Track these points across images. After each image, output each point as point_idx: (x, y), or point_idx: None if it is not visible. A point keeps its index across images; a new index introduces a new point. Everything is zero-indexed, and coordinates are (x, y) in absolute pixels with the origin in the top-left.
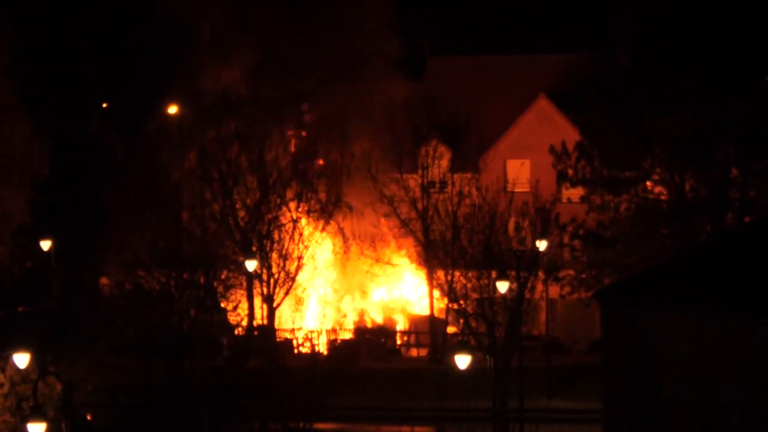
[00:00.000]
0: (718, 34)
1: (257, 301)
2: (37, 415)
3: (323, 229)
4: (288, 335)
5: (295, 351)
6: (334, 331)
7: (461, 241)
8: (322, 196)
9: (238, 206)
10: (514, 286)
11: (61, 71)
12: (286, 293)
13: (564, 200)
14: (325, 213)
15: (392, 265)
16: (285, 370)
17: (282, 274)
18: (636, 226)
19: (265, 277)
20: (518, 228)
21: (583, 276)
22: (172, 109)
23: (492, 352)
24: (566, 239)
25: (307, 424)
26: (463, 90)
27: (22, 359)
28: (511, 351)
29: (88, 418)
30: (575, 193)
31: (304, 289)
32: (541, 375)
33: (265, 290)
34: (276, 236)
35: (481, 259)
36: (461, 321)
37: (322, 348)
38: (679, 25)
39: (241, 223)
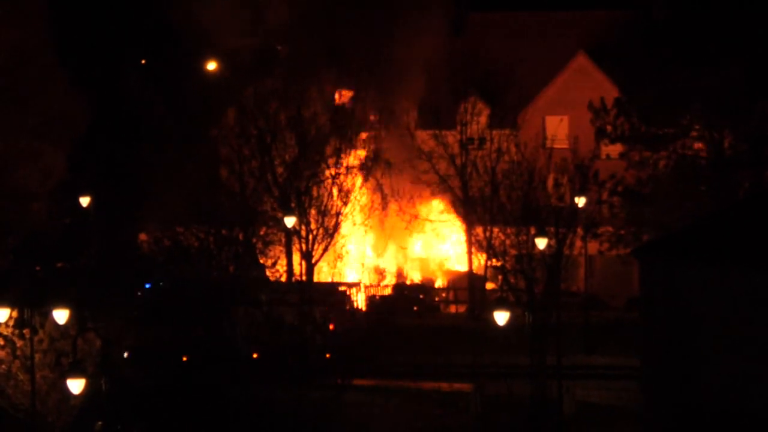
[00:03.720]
0: None
1: (296, 258)
2: (76, 370)
3: (362, 185)
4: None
5: None
6: (372, 287)
7: (500, 198)
8: (361, 152)
9: (276, 162)
10: (553, 242)
11: (99, 27)
12: (325, 249)
13: (603, 156)
14: (363, 169)
15: (431, 221)
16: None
17: (321, 231)
18: (674, 183)
19: (303, 233)
20: (557, 184)
21: (622, 232)
22: (211, 65)
23: (530, 309)
24: (605, 196)
25: (346, 381)
26: (502, 46)
27: (61, 315)
28: (550, 307)
29: (127, 374)
30: (614, 149)
31: (343, 246)
32: (579, 331)
33: (303, 246)
34: (314, 192)
35: (519, 216)
36: (500, 277)
37: (361, 304)
38: None
39: (280, 180)
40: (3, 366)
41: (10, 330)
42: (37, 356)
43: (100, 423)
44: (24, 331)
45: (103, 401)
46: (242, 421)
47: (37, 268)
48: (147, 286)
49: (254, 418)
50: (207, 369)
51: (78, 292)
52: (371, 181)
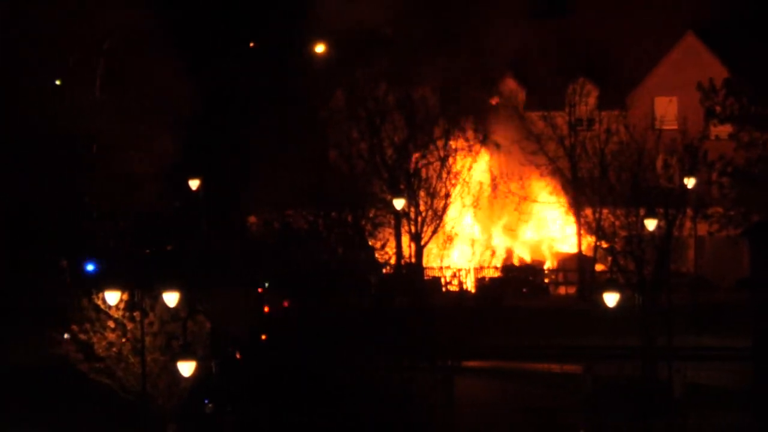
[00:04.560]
0: None
1: (405, 240)
2: (186, 353)
3: (470, 167)
4: (436, 273)
5: (443, 289)
6: (481, 269)
7: (609, 179)
8: (470, 134)
9: (385, 144)
10: (662, 223)
11: (208, 10)
12: (434, 231)
13: (712, 137)
14: (472, 151)
15: (540, 203)
16: (433, 309)
17: (430, 213)
18: None
19: (412, 215)
20: (666, 165)
21: (731, 213)
22: (319, 48)
23: (640, 290)
24: (714, 176)
25: (455, 362)
26: (611, 26)
27: (171, 298)
28: (659, 289)
29: (237, 356)
30: (723, 130)
31: (452, 227)
32: (688, 313)
33: (412, 228)
34: (423, 174)
35: (629, 197)
36: (609, 259)
37: (470, 286)
38: None
39: (389, 161)
40: (114, 349)
41: (120, 313)
42: (147, 339)
43: (210, 405)
44: (134, 314)
45: (213, 384)
46: (352, 402)
47: (147, 251)
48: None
49: (364, 399)
50: (317, 350)
51: (188, 275)
52: (480, 163)
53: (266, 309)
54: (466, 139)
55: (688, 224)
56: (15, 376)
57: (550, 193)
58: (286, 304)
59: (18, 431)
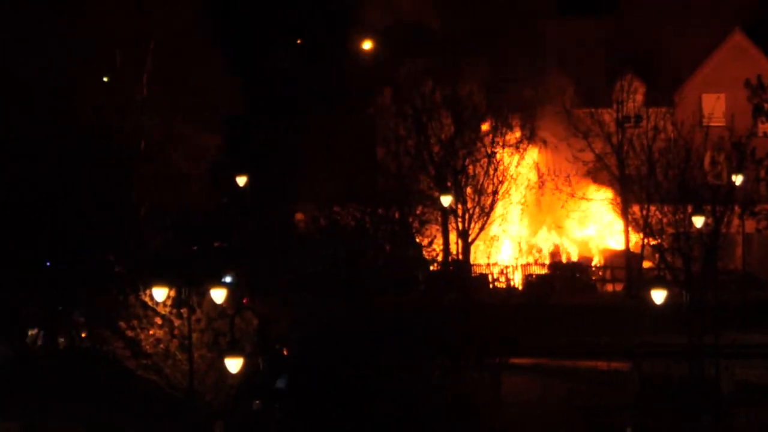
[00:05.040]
0: None
1: (452, 237)
2: (234, 349)
3: (518, 164)
4: (483, 270)
5: (490, 286)
6: (528, 266)
7: (656, 176)
8: (517, 131)
9: (432, 141)
10: (710, 220)
11: (253, 7)
12: (481, 228)
13: (760, 134)
14: (519, 148)
15: (587, 200)
16: (480, 306)
17: (477, 209)
18: None
19: (460, 212)
20: (714, 162)
21: None
22: (366, 45)
23: (688, 287)
24: (762, 173)
25: (503, 360)
26: (658, 23)
27: (218, 294)
28: (707, 286)
29: (284, 352)
30: None
31: (499, 224)
32: (736, 310)
33: (459, 225)
34: (470, 171)
35: (676, 194)
36: (657, 256)
37: (517, 283)
38: None
39: (436, 158)
40: (161, 345)
41: (168, 309)
42: (194, 335)
43: (257, 402)
44: (182, 311)
45: (260, 381)
46: (399, 399)
47: (194, 247)
48: None
49: (411, 397)
50: (365, 347)
51: (235, 272)
52: (527, 160)
53: (311, 307)
54: (513, 136)
55: (735, 221)
56: (61, 371)
57: (598, 190)
58: (330, 302)
59: (64, 426)
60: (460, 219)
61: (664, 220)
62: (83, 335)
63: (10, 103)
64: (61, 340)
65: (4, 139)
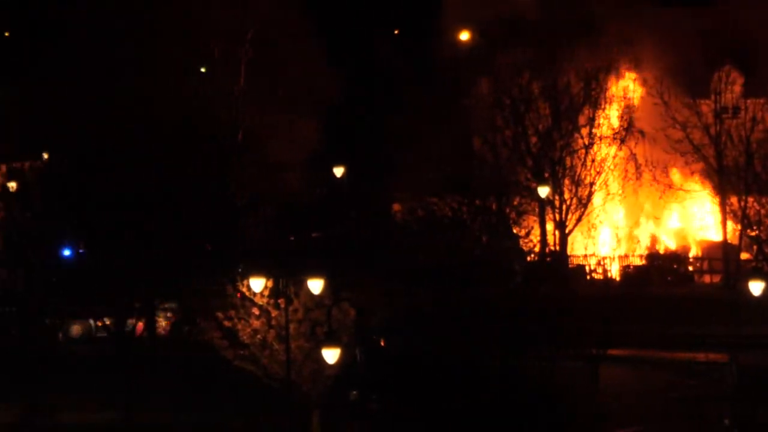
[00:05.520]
0: None
1: (549, 227)
2: (331, 340)
3: (615, 155)
4: (580, 261)
5: (587, 277)
6: (626, 257)
7: (754, 167)
8: (615, 121)
9: (530, 132)
10: None
11: None
12: (578, 219)
13: None
14: (617, 139)
15: (685, 191)
16: (577, 297)
17: (574, 200)
18: None
19: (557, 203)
20: None
21: None
22: (464, 35)
23: None
24: None
25: (601, 351)
26: (757, 14)
27: (316, 285)
28: None
29: (382, 343)
30: None
31: (597, 215)
32: None
33: (557, 216)
34: (568, 162)
35: None
36: (755, 247)
37: (614, 274)
38: None
39: (533, 149)
40: (259, 336)
41: (265, 300)
42: (292, 326)
43: (354, 393)
44: (279, 301)
45: (358, 371)
46: (496, 390)
47: (291, 238)
48: None
49: (508, 388)
50: (459, 339)
51: (333, 262)
52: (625, 151)
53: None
54: (611, 127)
55: None
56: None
57: (696, 182)
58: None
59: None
60: (557, 210)
61: (762, 212)
62: (182, 326)
63: (112, 96)
64: (159, 328)
65: (105, 133)
